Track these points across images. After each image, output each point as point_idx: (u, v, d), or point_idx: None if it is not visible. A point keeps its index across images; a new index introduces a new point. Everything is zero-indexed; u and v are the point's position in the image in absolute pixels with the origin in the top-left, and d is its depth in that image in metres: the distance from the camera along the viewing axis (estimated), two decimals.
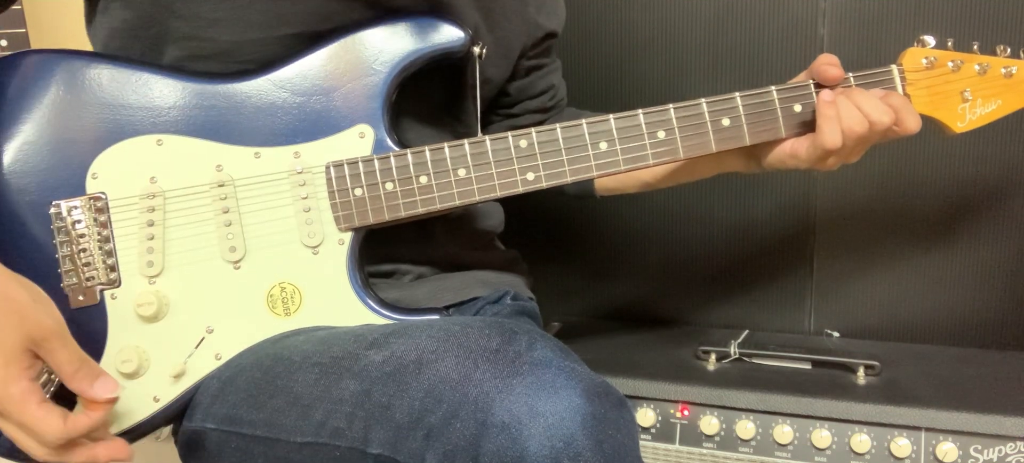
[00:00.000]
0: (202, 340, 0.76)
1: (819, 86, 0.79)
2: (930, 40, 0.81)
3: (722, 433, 0.97)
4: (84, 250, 0.74)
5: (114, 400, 0.67)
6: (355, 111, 0.76)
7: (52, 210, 0.74)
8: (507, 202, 0.89)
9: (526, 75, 0.96)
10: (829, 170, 0.80)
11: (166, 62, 0.77)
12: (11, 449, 0.74)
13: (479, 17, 0.84)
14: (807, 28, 1.15)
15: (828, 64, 0.78)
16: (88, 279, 0.74)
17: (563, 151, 0.77)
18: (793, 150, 0.79)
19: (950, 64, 0.80)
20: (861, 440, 0.91)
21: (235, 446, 0.72)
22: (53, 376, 0.69)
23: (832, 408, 0.93)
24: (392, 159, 0.76)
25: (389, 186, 0.76)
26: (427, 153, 0.76)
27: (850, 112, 0.75)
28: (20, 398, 0.63)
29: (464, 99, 0.87)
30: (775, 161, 0.81)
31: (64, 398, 0.66)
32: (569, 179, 0.77)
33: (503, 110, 0.98)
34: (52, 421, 0.64)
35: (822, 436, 0.93)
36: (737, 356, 1.08)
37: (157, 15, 0.75)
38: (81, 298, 0.75)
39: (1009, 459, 0.88)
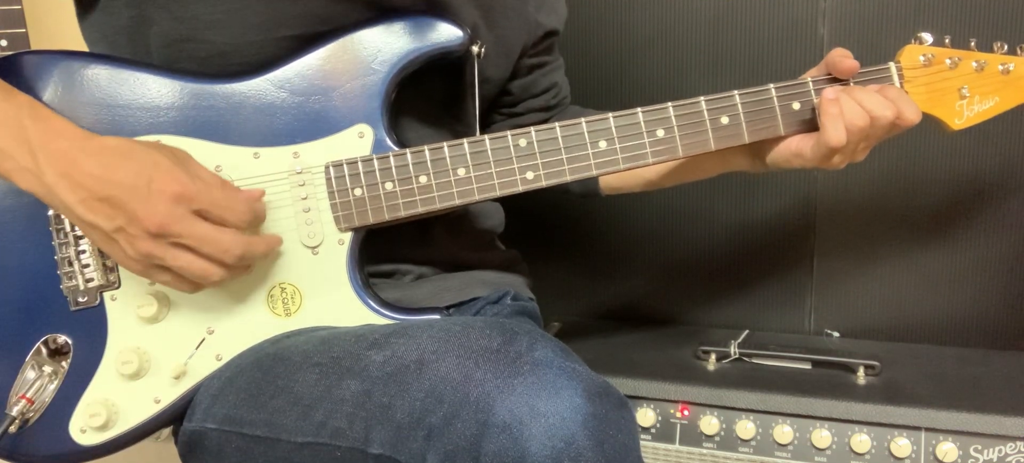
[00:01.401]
0: (202, 341, 0.76)
1: (819, 83, 0.79)
2: (927, 37, 0.81)
3: (722, 433, 0.97)
4: (83, 252, 0.74)
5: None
6: (354, 111, 0.76)
7: (50, 212, 0.74)
8: (507, 202, 0.89)
9: (528, 73, 0.96)
10: (834, 169, 0.80)
11: (160, 63, 0.77)
12: (12, 450, 0.75)
13: (478, 16, 0.84)
14: (807, 28, 1.15)
15: (842, 56, 0.78)
16: (87, 281, 0.74)
17: (562, 150, 0.77)
18: (798, 149, 0.79)
19: (947, 61, 0.80)
20: (861, 440, 0.91)
21: (235, 446, 0.72)
22: (56, 370, 0.70)
23: (832, 408, 0.93)
24: (392, 159, 0.76)
25: (389, 186, 0.76)
26: (426, 153, 0.76)
27: (852, 109, 0.75)
28: (210, 178, 0.70)
29: (464, 98, 0.87)
30: (780, 160, 0.81)
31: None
32: (568, 178, 0.77)
33: (506, 109, 0.98)
34: (241, 195, 0.71)
35: (822, 436, 0.93)
36: (737, 356, 1.08)
37: (155, 17, 0.75)
38: (81, 300, 0.75)
39: (1009, 459, 0.88)
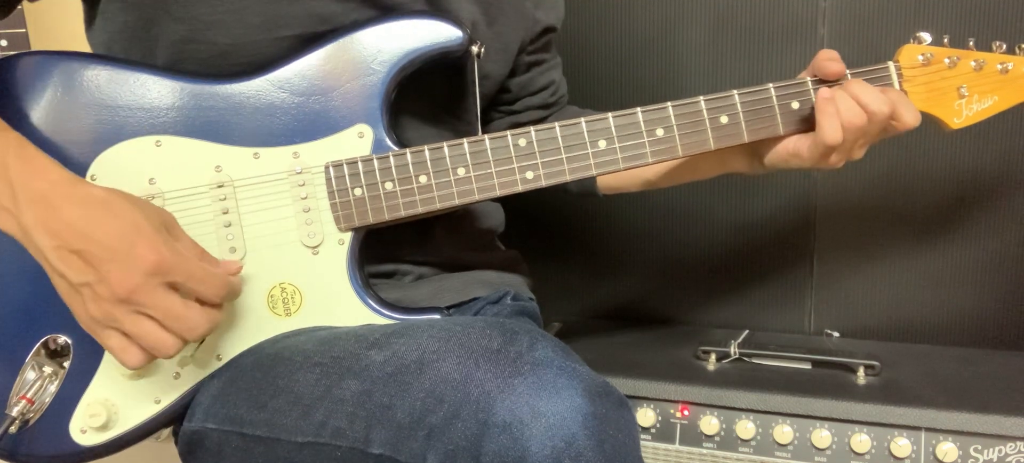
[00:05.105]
0: (202, 341, 0.75)
1: (817, 83, 0.79)
2: (926, 37, 0.81)
3: (722, 433, 0.97)
4: None
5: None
6: (354, 111, 0.76)
7: None
8: (508, 201, 0.89)
9: (526, 71, 0.96)
10: (832, 168, 0.80)
11: (164, 64, 0.77)
12: (12, 450, 0.75)
13: (477, 12, 0.84)
14: (807, 28, 1.16)
15: (829, 60, 0.78)
16: None
17: (562, 150, 0.77)
18: (796, 149, 0.79)
19: (946, 61, 0.81)
20: (861, 440, 0.91)
21: (236, 446, 0.72)
22: (56, 371, 0.71)
23: (832, 408, 0.93)
24: (391, 159, 0.76)
25: (389, 186, 0.76)
26: (426, 152, 0.76)
27: (848, 105, 0.75)
28: (188, 250, 0.68)
29: (464, 98, 0.87)
30: (778, 161, 0.81)
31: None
32: (568, 178, 0.77)
33: (504, 106, 0.98)
34: (218, 269, 0.70)
35: (822, 436, 0.93)
36: (737, 356, 1.08)
37: (156, 18, 0.75)
38: None
39: (1009, 459, 0.88)
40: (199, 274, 0.66)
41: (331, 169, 0.76)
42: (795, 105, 0.79)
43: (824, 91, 0.77)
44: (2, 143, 0.65)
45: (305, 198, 0.76)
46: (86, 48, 0.82)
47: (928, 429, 0.90)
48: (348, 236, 0.77)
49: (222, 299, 0.69)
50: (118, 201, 0.65)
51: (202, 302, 0.67)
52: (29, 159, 0.65)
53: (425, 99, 0.83)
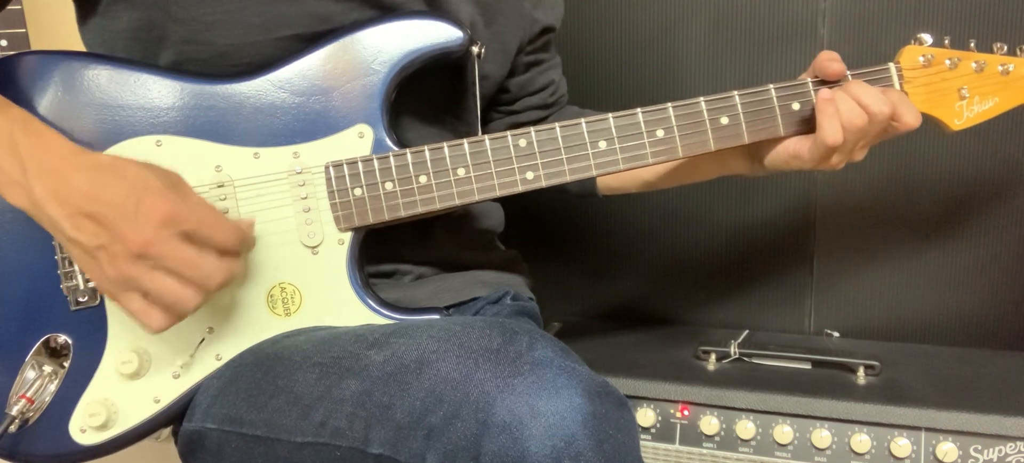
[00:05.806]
0: (202, 340, 0.76)
1: (817, 84, 0.79)
2: (927, 38, 0.81)
3: (722, 433, 0.97)
4: None
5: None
6: (354, 111, 0.76)
7: None
8: (507, 202, 0.89)
9: (525, 71, 0.96)
10: (833, 170, 0.80)
11: (165, 64, 0.77)
12: (12, 449, 0.75)
13: (476, 12, 0.84)
14: (807, 28, 1.15)
15: (829, 60, 0.78)
16: (87, 280, 0.74)
17: (562, 150, 0.77)
18: (796, 151, 0.79)
19: (947, 62, 0.80)
20: (861, 440, 0.91)
21: (235, 446, 0.72)
22: (56, 370, 0.71)
23: (832, 408, 0.93)
24: (391, 159, 0.76)
25: (389, 186, 0.76)
26: (426, 153, 0.76)
27: (849, 106, 0.75)
28: (200, 202, 0.68)
29: (464, 98, 0.87)
30: (778, 162, 0.81)
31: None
32: (568, 178, 0.77)
33: (504, 107, 0.98)
34: (229, 221, 0.69)
35: (822, 436, 0.93)
36: (737, 356, 1.08)
37: (156, 19, 0.75)
38: (81, 300, 0.75)
39: (1009, 459, 0.88)
40: (211, 220, 0.67)
41: (331, 169, 0.76)
42: (796, 106, 0.79)
43: (824, 92, 0.77)
44: (8, 120, 0.66)
45: (305, 198, 0.76)
46: (83, 48, 0.82)
47: (928, 429, 0.90)
48: (348, 236, 0.77)
49: (237, 245, 0.69)
50: (124, 163, 0.66)
51: (219, 252, 0.68)
52: (36, 133, 0.66)
53: (425, 99, 0.84)
